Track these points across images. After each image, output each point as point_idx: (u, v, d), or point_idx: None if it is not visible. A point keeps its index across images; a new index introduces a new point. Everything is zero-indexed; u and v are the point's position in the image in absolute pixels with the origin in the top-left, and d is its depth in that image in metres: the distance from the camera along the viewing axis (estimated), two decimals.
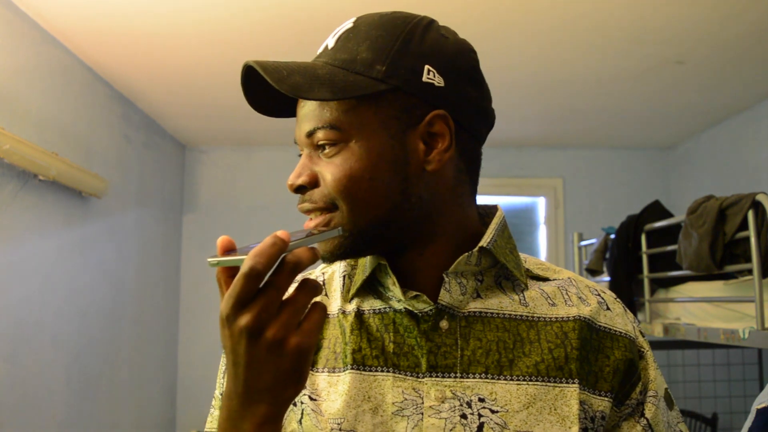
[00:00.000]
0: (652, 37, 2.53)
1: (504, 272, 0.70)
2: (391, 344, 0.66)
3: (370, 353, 0.65)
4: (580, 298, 0.71)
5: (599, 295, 0.72)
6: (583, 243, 3.35)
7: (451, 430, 0.61)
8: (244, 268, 0.49)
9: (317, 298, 0.70)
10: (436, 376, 0.64)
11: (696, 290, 2.44)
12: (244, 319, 0.50)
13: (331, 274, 0.75)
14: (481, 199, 0.73)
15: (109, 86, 3.08)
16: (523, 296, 0.69)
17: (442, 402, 0.63)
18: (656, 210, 2.77)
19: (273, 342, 0.50)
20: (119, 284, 3.21)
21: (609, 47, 2.63)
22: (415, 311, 0.66)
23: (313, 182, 0.64)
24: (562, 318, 0.68)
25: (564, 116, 3.65)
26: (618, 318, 0.71)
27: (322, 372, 0.67)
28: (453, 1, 2.22)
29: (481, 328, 0.66)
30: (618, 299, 0.75)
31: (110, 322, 3.09)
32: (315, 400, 0.66)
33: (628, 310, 0.74)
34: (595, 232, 3.35)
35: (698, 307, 2.39)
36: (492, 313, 0.67)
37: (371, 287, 0.70)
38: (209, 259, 0.53)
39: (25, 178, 2.31)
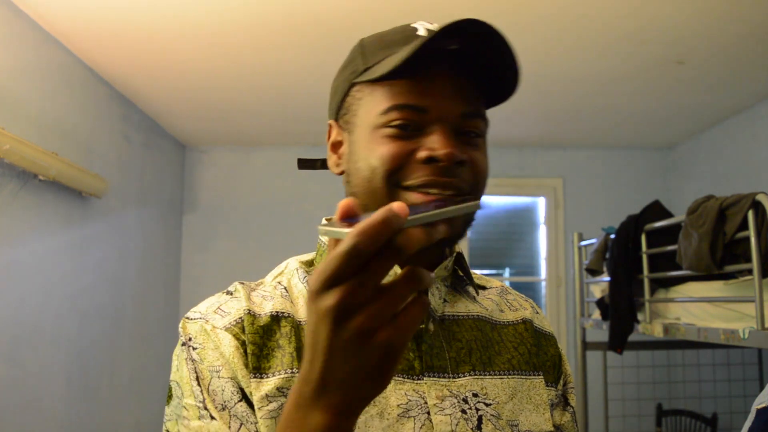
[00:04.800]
0: (652, 37, 2.53)
1: (455, 279, 0.73)
2: None
3: None
4: (518, 303, 0.79)
5: (527, 301, 0.81)
6: (583, 243, 3.34)
7: (456, 424, 0.64)
8: (344, 245, 0.41)
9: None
10: (432, 377, 0.65)
11: (696, 290, 2.43)
12: (330, 299, 0.43)
13: (289, 281, 0.71)
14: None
15: (109, 86, 3.08)
16: (480, 302, 0.75)
17: (443, 400, 0.64)
18: (656, 210, 2.77)
19: (359, 332, 0.43)
20: (119, 284, 3.21)
21: (609, 47, 2.63)
22: None
23: (466, 162, 0.65)
24: (512, 321, 0.75)
25: (564, 116, 3.65)
26: (544, 320, 0.80)
27: None
28: (453, 1, 2.21)
29: (457, 330, 0.70)
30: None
31: (110, 322, 3.09)
32: None
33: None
34: (595, 232, 3.34)
35: (698, 307, 2.39)
36: (462, 316, 0.71)
37: None
38: (320, 227, 0.47)
39: (25, 178, 2.31)
